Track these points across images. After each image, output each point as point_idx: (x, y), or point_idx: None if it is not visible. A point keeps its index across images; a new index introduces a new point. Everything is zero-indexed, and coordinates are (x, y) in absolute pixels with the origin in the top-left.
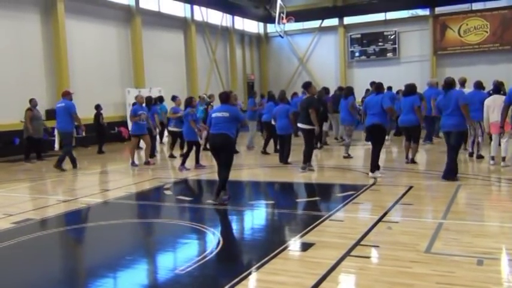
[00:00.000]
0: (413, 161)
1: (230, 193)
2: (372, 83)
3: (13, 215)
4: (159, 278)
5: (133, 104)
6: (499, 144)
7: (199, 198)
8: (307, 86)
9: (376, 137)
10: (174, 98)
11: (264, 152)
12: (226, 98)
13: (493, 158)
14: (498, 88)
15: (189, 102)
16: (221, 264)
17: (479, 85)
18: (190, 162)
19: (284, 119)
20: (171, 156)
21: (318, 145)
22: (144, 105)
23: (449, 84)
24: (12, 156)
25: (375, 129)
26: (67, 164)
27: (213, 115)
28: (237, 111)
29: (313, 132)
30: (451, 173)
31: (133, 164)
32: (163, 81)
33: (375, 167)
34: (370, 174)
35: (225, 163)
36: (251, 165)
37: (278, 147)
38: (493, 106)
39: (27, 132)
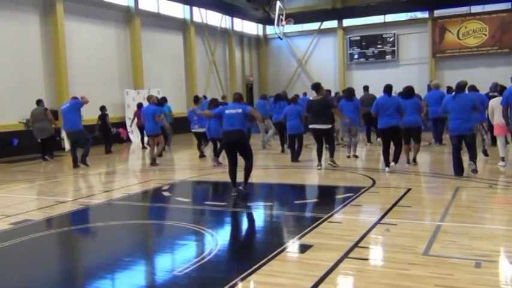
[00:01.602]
0: (414, 161)
1: (248, 191)
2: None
3: (11, 215)
4: (157, 279)
5: (157, 104)
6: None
7: (197, 200)
8: (318, 87)
9: (397, 137)
10: (197, 99)
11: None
12: (239, 97)
13: (503, 159)
14: (502, 89)
15: (217, 103)
16: (219, 266)
17: (472, 88)
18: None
19: (295, 119)
20: (202, 155)
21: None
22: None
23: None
24: (11, 157)
25: (395, 130)
26: (66, 162)
27: (226, 112)
28: (249, 109)
29: (332, 130)
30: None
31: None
32: (162, 83)
33: (398, 158)
34: (393, 164)
35: (247, 155)
36: (255, 167)
37: (285, 146)
38: (498, 107)
39: (50, 131)
